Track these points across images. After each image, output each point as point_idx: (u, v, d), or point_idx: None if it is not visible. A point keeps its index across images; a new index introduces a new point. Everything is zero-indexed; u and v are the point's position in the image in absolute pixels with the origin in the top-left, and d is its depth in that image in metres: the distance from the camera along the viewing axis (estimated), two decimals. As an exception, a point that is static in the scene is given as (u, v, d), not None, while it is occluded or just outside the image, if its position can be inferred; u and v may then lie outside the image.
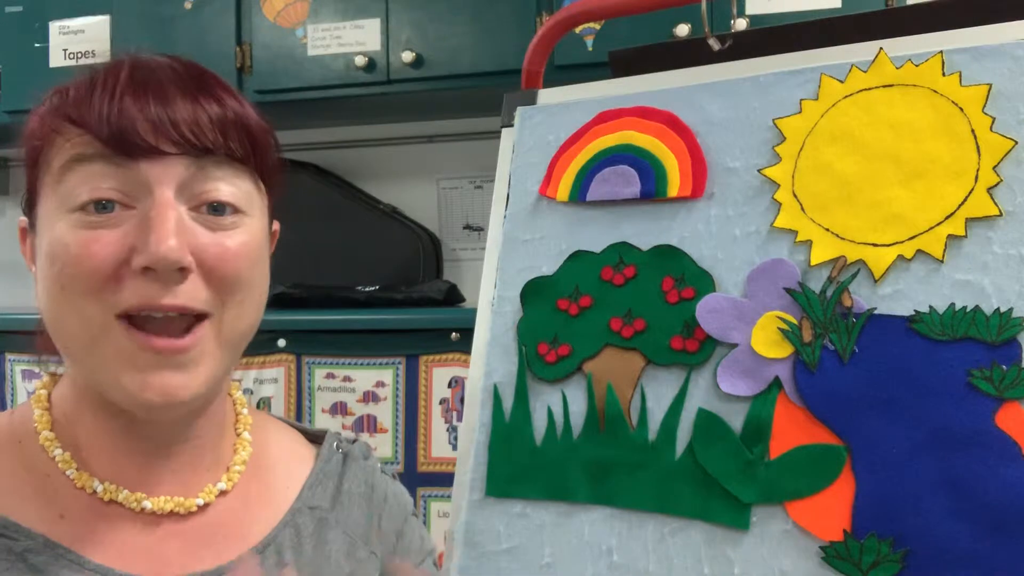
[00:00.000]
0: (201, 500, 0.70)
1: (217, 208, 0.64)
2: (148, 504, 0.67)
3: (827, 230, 0.65)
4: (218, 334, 0.65)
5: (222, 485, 0.72)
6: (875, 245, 0.63)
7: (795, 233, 0.67)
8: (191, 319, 0.63)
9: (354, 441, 0.85)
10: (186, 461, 0.70)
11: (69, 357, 0.67)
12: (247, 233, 0.66)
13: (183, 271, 0.62)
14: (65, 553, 0.64)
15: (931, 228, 0.62)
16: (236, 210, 0.65)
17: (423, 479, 1.74)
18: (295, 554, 0.73)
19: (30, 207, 0.68)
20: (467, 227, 2.24)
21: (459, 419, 1.68)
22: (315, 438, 0.84)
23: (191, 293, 0.62)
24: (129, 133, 0.61)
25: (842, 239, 0.65)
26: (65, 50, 2.07)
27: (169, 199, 0.62)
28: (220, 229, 0.64)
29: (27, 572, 0.62)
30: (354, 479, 0.81)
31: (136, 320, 0.62)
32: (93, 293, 0.61)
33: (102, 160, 0.62)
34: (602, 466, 0.71)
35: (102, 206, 0.62)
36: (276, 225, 0.75)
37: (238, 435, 0.76)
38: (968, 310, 0.59)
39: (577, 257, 0.76)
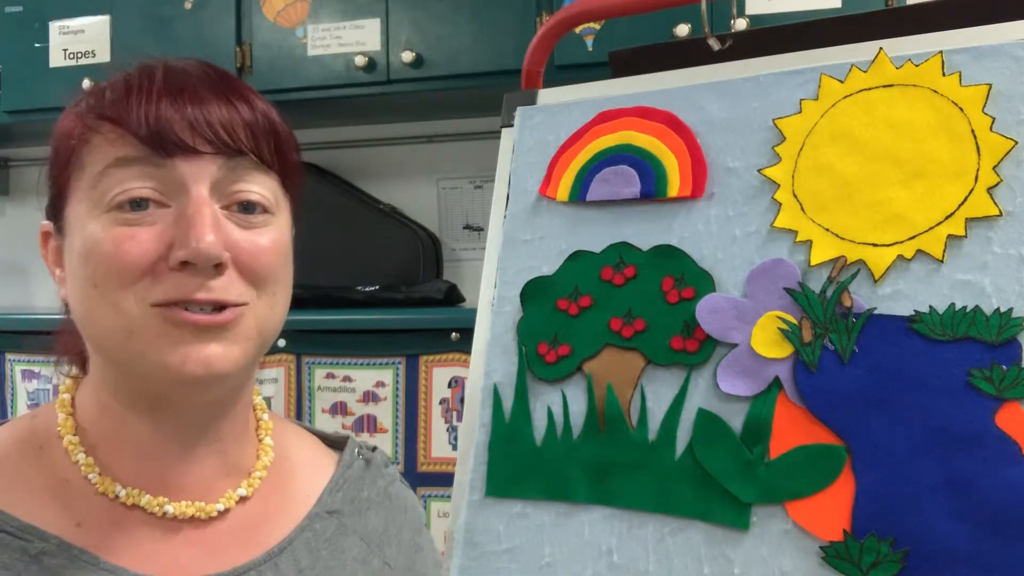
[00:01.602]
0: (221, 506, 0.70)
1: (247, 207, 0.66)
2: (170, 509, 0.67)
3: (827, 230, 0.65)
4: (254, 322, 0.66)
5: (242, 491, 0.72)
6: (875, 245, 0.63)
7: (795, 233, 0.67)
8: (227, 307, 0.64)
9: (374, 449, 0.86)
10: (208, 465, 0.70)
11: (103, 352, 0.67)
12: (277, 231, 0.68)
13: (219, 267, 0.63)
14: (80, 554, 0.64)
15: (931, 228, 0.62)
16: (265, 210, 0.67)
17: (423, 479, 1.74)
18: (311, 559, 0.73)
19: (57, 210, 0.68)
20: (467, 227, 2.24)
21: (459, 419, 1.68)
22: (335, 443, 0.85)
23: (225, 287, 0.64)
24: (167, 132, 0.63)
25: (842, 239, 0.65)
26: (65, 50, 2.07)
27: (205, 196, 0.63)
28: (251, 227, 0.66)
29: (41, 574, 0.62)
30: (374, 487, 0.82)
31: (172, 306, 0.63)
32: (128, 287, 0.62)
33: (140, 164, 0.63)
34: (602, 466, 0.71)
35: (136, 204, 0.63)
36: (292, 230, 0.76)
37: (260, 440, 0.77)
38: (968, 310, 0.59)
39: (577, 257, 0.76)
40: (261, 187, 0.67)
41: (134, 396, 0.67)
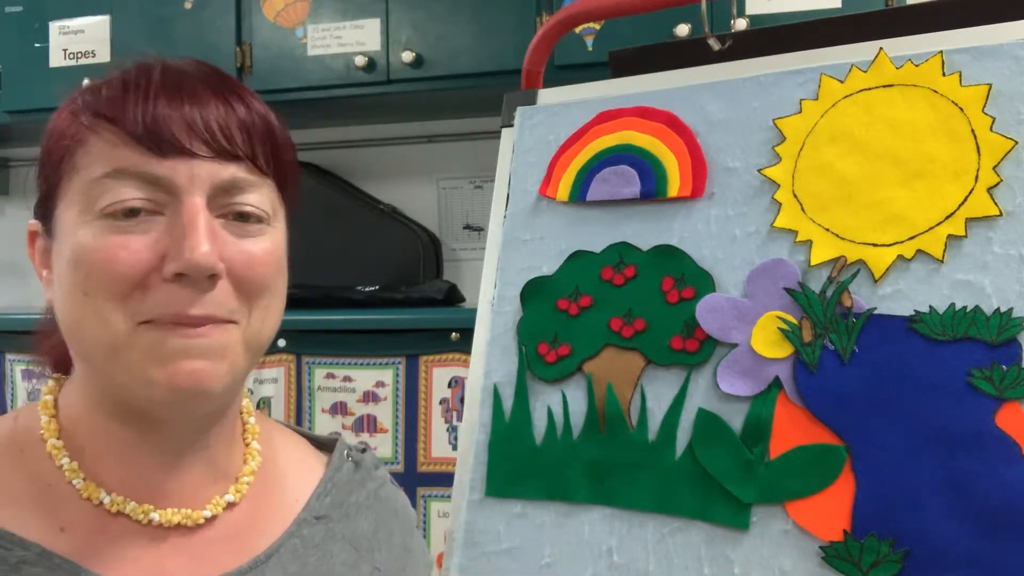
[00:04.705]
0: (209, 512, 0.69)
1: (243, 215, 0.65)
2: (156, 516, 0.66)
3: (827, 230, 0.65)
4: (243, 339, 0.65)
5: (230, 497, 0.71)
6: (875, 245, 0.63)
7: (795, 233, 0.67)
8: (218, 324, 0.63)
9: (364, 450, 0.84)
10: (196, 472, 0.69)
11: (89, 363, 0.66)
12: (271, 240, 0.67)
13: (213, 278, 0.62)
14: (62, 563, 0.62)
15: (931, 228, 0.62)
16: (260, 219, 0.66)
17: (423, 479, 1.74)
18: (299, 565, 0.72)
19: (47, 210, 0.67)
20: (467, 227, 2.24)
21: (459, 419, 1.68)
22: (324, 445, 0.83)
23: (219, 302, 0.62)
24: (163, 132, 0.61)
25: (842, 239, 0.65)
26: (65, 50, 2.07)
27: (201, 204, 0.62)
28: (246, 236, 0.65)
29: None
30: (363, 490, 0.80)
31: (160, 322, 0.61)
32: (118, 300, 0.61)
33: (136, 177, 0.61)
34: (602, 466, 0.71)
35: (130, 211, 0.61)
36: None
37: (247, 445, 0.75)
38: (968, 310, 0.59)
39: (577, 257, 0.76)
40: (258, 196, 0.66)
41: (118, 406, 0.65)
